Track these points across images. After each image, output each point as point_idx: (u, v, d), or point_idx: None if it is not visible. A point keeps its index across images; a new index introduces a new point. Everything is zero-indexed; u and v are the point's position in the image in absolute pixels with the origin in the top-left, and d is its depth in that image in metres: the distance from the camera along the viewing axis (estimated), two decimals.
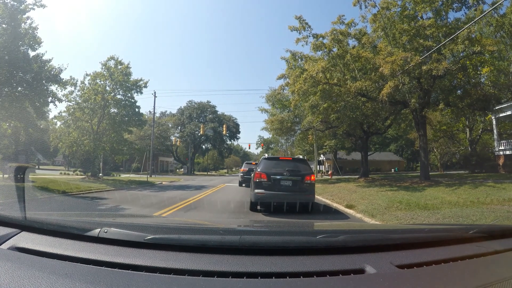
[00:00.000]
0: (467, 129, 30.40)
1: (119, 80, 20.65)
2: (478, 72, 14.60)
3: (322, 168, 51.73)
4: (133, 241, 1.27)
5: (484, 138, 32.18)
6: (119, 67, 21.49)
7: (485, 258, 1.34)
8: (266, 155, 13.17)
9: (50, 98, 15.39)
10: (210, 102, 57.87)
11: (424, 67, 11.76)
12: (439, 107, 14.80)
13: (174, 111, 58.04)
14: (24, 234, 1.40)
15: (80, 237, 1.33)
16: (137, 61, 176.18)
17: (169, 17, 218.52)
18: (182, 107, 57.30)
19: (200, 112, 56.04)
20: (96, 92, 20.14)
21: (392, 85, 11.81)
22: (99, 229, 1.32)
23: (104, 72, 21.04)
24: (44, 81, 14.56)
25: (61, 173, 29.48)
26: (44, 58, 15.33)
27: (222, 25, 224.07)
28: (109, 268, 1.08)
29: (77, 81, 20.43)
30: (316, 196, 13.12)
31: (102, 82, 20.96)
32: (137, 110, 21.70)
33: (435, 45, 12.77)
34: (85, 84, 20.71)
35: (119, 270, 1.07)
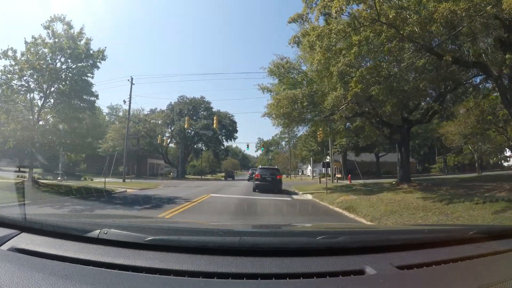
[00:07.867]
0: None
1: (64, 45, 14.82)
2: None
3: (329, 171, 44.34)
4: (133, 242, 1.25)
5: None
6: (72, 31, 15.76)
7: (485, 258, 1.31)
8: (260, 166, 26.75)
9: None
10: (204, 98, 52.20)
11: None
12: None
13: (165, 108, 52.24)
14: (24, 235, 1.38)
15: (80, 238, 1.31)
16: (130, 53, 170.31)
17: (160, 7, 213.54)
18: (173, 103, 51.47)
19: (192, 108, 50.07)
20: (32, 63, 14.40)
21: None
22: (99, 230, 1.30)
23: (47, 38, 15.30)
24: None
25: None
26: None
27: (220, 20, 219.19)
28: (109, 269, 1.07)
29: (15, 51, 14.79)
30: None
31: (45, 50, 15.21)
32: (88, 85, 15.41)
33: None
34: (17, 56, 14.81)
35: (119, 271, 1.05)
